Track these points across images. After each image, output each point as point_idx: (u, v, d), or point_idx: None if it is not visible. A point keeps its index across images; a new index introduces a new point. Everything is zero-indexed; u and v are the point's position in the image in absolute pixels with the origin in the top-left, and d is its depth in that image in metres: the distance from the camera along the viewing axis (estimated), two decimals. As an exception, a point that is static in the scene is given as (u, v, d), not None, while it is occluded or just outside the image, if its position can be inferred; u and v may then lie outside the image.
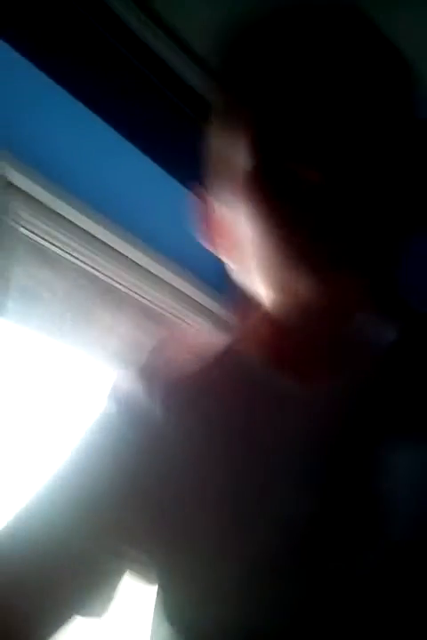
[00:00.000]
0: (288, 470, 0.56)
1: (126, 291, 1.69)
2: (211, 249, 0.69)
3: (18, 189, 1.45)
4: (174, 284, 1.76)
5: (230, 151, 0.61)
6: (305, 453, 0.56)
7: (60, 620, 0.59)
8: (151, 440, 0.63)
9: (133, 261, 1.67)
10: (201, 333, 0.76)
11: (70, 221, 1.54)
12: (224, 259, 0.68)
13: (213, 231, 0.67)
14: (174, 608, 0.59)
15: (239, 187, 0.60)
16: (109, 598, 0.61)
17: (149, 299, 1.73)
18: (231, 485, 0.57)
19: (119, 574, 0.61)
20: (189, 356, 0.66)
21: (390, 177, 0.58)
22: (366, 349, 0.59)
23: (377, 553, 0.51)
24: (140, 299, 1.72)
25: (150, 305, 1.74)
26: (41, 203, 1.49)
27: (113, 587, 0.61)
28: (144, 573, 0.62)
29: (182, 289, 1.78)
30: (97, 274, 1.62)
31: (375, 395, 0.58)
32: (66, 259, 1.56)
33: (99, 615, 0.61)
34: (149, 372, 0.67)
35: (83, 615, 0.60)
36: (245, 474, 0.57)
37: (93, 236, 1.59)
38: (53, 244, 1.53)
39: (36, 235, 1.50)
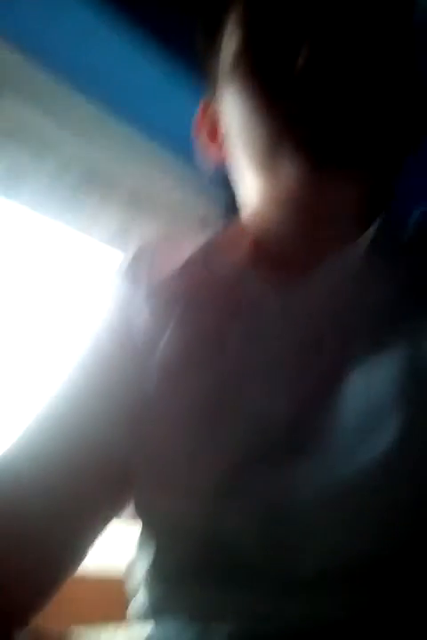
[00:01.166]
0: (265, 371, 0.56)
1: (114, 172, 1.62)
2: (204, 147, 0.69)
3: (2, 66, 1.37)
4: (165, 166, 1.70)
5: (227, 43, 0.60)
6: (282, 355, 0.56)
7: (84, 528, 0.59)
8: (138, 341, 0.63)
9: (122, 143, 1.60)
10: (185, 236, 0.75)
11: (55, 100, 1.47)
12: (214, 155, 0.68)
13: (208, 128, 0.67)
14: (148, 509, 0.60)
15: (227, 68, 0.59)
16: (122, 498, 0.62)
17: (137, 183, 1.67)
18: (209, 385, 0.57)
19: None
20: (172, 259, 0.66)
21: (384, 70, 0.55)
22: (348, 253, 0.57)
23: (344, 457, 0.50)
24: (129, 183, 1.66)
25: (139, 190, 1.68)
26: (27, 85, 1.41)
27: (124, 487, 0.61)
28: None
29: (174, 169, 1.71)
30: (83, 157, 1.55)
31: (353, 300, 0.56)
32: (51, 140, 1.49)
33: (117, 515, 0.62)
34: (134, 274, 0.67)
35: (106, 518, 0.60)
36: (223, 375, 0.57)
37: (82, 119, 1.52)
38: (45, 129, 1.46)
39: (22, 113, 1.42)
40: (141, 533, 0.63)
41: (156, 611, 0.60)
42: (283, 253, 0.62)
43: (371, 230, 0.56)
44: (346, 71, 0.54)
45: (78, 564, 0.59)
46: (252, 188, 0.63)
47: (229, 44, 0.60)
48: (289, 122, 0.55)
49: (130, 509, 0.62)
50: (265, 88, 0.56)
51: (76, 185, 1.55)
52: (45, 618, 0.56)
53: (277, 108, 0.55)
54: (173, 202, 1.78)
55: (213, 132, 0.67)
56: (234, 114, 0.61)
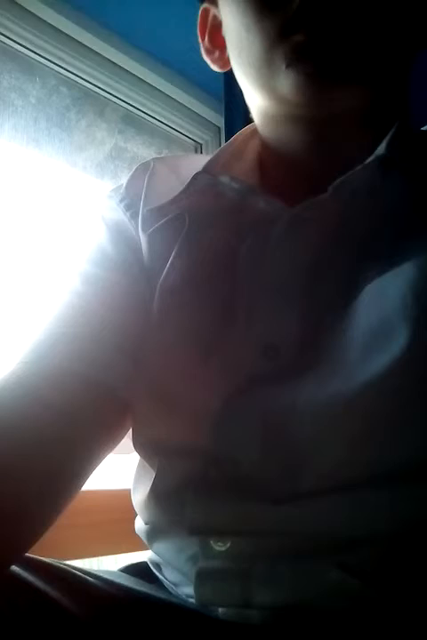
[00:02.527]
0: (273, 290, 0.55)
1: (106, 95, 1.56)
2: (206, 56, 0.67)
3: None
4: (158, 85, 1.63)
5: None
6: (291, 273, 0.55)
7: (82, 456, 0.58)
8: (136, 266, 0.62)
9: (112, 62, 1.53)
10: (185, 155, 0.73)
11: (40, 19, 1.39)
12: (217, 67, 0.66)
13: (211, 36, 0.65)
14: (150, 433, 0.59)
15: None
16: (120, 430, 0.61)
17: (131, 103, 1.61)
18: (216, 305, 0.56)
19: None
20: (175, 179, 0.64)
21: None
22: (359, 167, 0.54)
23: (350, 372, 0.49)
24: (122, 103, 1.60)
25: (133, 110, 1.63)
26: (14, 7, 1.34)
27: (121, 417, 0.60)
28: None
29: (167, 91, 1.65)
30: (75, 78, 1.49)
31: (365, 215, 0.54)
32: (40, 62, 1.42)
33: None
34: (132, 195, 0.66)
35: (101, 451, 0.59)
36: (230, 294, 0.56)
37: (70, 37, 1.44)
38: (24, 46, 1.39)
39: (7, 37, 1.35)
40: (141, 459, 0.63)
41: (157, 531, 0.61)
42: (291, 169, 0.60)
43: (383, 144, 0.53)
44: None
45: (74, 495, 0.58)
46: (253, 101, 0.61)
47: None
48: (282, 32, 0.52)
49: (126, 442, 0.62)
50: (263, 6, 0.54)
51: (66, 107, 1.50)
52: (41, 548, 0.55)
53: (269, 18, 0.53)
54: (167, 127, 1.73)
55: (215, 39, 0.65)
56: (229, 24, 0.59)
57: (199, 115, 1.73)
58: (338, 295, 0.52)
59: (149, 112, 1.66)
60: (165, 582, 0.62)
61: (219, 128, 1.70)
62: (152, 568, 0.65)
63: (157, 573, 0.64)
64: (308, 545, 0.50)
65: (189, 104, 1.70)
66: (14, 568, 0.51)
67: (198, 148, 1.78)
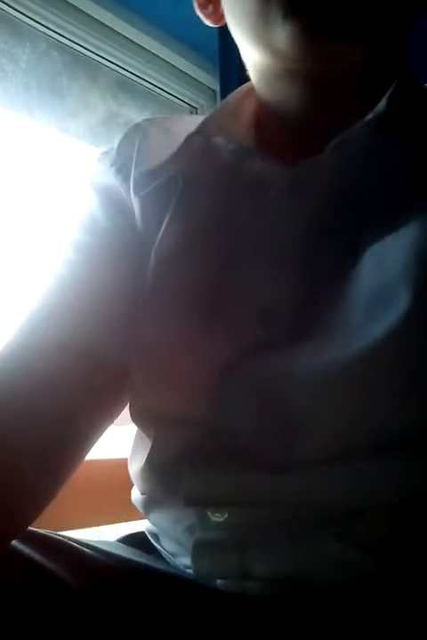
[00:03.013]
0: (270, 254, 0.53)
1: (98, 59, 1.53)
2: (200, 11, 0.65)
3: None
4: (152, 49, 1.60)
5: None
6: (289, 237, 0.53)
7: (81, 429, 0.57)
8: (129, 231, 0.61)
9: (105, 25, 1.49)
10: (179, 116, 0.70)
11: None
12: (211, 22, 0.64)
13: None
14: (146, 403, 0.59)
15: None
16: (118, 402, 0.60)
17: (124, 67, 1.58)
18: (211, 271, 0.55)
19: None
20: (168, 141, 0.61)
21: None
22: (358, 127, 0.52)
23: (349, 338, 0.48)
24: (115, 67, 1.57)
25: (126, 74, 1.60)
26: None
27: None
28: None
29: (162, 55, 1.62)
30: (66, 41, 1.45)
31: (364, 177, 0.53)
32: (30, 25, 1.39)
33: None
34: (124, 158, 0.63)
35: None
36: (225, 259, 0.55)
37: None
38: (13, 8, 1.35)
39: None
40: (138, 430, 0.62)
41: (153, 501, 0.60)
42: (288, 128, 0.58)
43: (383, 101, 0.51)
44: None
45: (75, 467, 0.58)
46: (248, 57, 0.59)
47: None
48: None
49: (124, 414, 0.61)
50: None
51: (58, 72, 1.47)
52: (39, 520, 0.55)
53: None
54: (161, 90, 1.70)
55: None
56: None
57: (194, 78, 1.70)
58: (336, 260, 0.51)
59: (142, 76, 1.62)
60: (163, 552, 0.62)
61: (214, 91, 1.67)
62: (150, 538, 0.65)
63: (155, 544, 0.64)
64: (306, 515, 0.50)
65: (183, 67, 1.67)
66: (14, 542, 0.50)
67: (194, 112, 1.75)
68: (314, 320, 0.50)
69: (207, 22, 0.65)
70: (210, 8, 0.64)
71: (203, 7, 0.65)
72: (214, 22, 0.64)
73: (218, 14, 0.62)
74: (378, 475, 0.48)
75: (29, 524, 0.53)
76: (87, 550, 0.56)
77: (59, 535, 0.56)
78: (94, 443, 0.59)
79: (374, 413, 0.48)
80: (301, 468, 0.49)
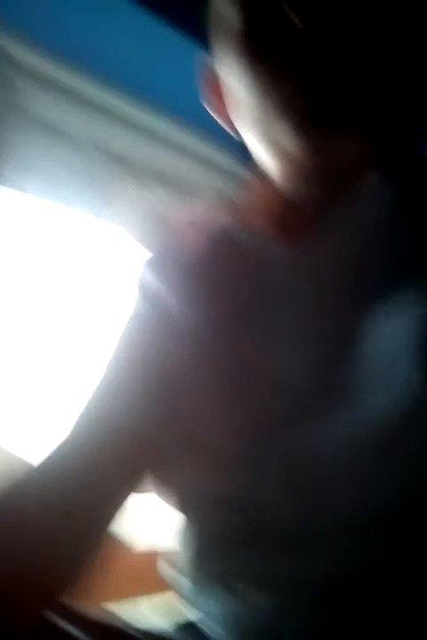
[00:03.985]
0: (285, 332, 0.56)
1: (132, 153, 1.61)
2: (215, 115, 0.68)
3: (10, 58, 1.37)
4: (182, 141, 1.69)
5: (223, 8, 0.59)
6: (301, 314, 0.56)
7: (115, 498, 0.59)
8: (165, 318, 0.64)
9: (140, 126, 1.61)
10: (206, 210, 0.74)
11: (65, 87, 1.47)
12: (227, 125, 0.66)
13: (217, 96, 0.65)
14: (177, 481, 0.60)
15: (232, 44, 0.58)
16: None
17: (158, 163, 1.67)
18: (233, 352, 0.57)
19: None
20: (195, 237, 0.66)
21: (390, 27, 0.52)
22: (365, 211, 0.55)
23: (362, 411, 0.50)
24: (150, 164, 1.65)
25: (161, 170, 1.68)
26: (44, 74, 1.42)
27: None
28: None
29: (191, 146, 1.71)
30: (102, 138, 1.55)
31: (367, 253, 0.55)
32: (71, 130, 1.49)
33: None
34: (160, 262, 0.68)
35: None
36: (245, 339, 0.57)
37: (94, 102, 1.51)
38: (50, 110, 1.44)
39: (40, 107, 1.43)
40: (171, 509, 0.63)
41: (197, 589, 0.61)
42: (299, 213, 0.61)
43: (387, 182, 0.55)
44: (341, 31, 0.51)
45: (104, 539, 0.59)
46: (260, 156, 0.62)
47: (224, 14, 0.59)
48: (284, 96, 0.53)
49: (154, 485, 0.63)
50: (257, 58, 0.55)
51: (90, 166, 1.55)
52: (78, 594, 0.56)
53: (270, 82, 0.54)
54: (190, 179, 1.77)
55: (221, 98, 0.66)
56: (232, 86, 0.60)
57: (222, 166, 1.77)
58: (348, 334, 0.53)
59: (174, 167, 1.71)
60: (204, 631, 0.62)
61: (240, 176, 1.72)
62: (199, 625, 0.63)
63: (205, 630, 0.62)
64: (336, 584, 0.50)
65: (212, 157, 1.75)
66: (49, 614, 0.51)
67: (223, 199, 1.79)
68: (334, 392, 0.52)
69: (220, 122, 0.68)
70: (224, 112, 0.66)
71: (217, 110, 0.67)
72: (225, 123, 0.66)
73: (228, 117, 0.65)
74: (402, 537, 0.48)
75: (63, 595, 0.54)
76: (128, 630, 0.57)
77: (96, 609, 0.57)
78: (122, 514, 0.60)
79: (397, 481, 0.48)
80: (325, 539, 0.50)
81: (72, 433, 0.60)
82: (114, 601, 0.98)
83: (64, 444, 0.59)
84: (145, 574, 0.96)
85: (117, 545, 0.61)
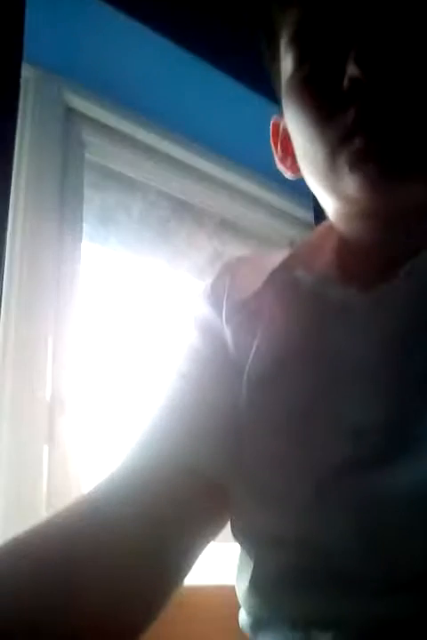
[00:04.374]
0: (356, 376, 0.55)
1: (203, 205, 1.66)
2: (280, 165, 0.71)
3: (82, 115, 1.45)
4: (251, 191, 1.72)
5: (276, 57, 0.62)
6: (372, 358, 0.55)
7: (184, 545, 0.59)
8: (224, 357, 0.65)
9: (207, 174, 1.65)
10: (269, 252, 0.76)
11: (138, 141, 1.53)
12: (293, 175, 0.69)
13: (283, 147, 0.69)
14: (245, 522, 0.60)
15: (284, 89, 0.61)
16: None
17: (226, 211, 1.71)
18: (300, 393, 0.57)
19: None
20: (256, 275, 0.67)
21: None
22: (424, 251, 0.55)
23: None
24: (218, 211, 1.69)
25: (228, 216, 1.71)
26: (106, 126, 1.48)
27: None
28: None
29: (260, 196, 1.74)
30: (171, 191, 1.61)
31: None
32: (138, 180, 1.55)
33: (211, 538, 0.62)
34: (216, 293, 0.70)
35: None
36: (313, 382, 0.57)
37: (163, 153, 1.57)
38: (125, 167, 1.51)
39: (106, 159, 1.50)
40: (241, 550, 0.63)
41: (259, 623, 0.60)
42: (365, 258, 0.62)
43: None
44: (396, 76, 0.52)
45: (177, 588, 0.59)
46: (323, 202, 0.64)
47: (284, 64, 0.62)
48: (342, 139, 0.55)
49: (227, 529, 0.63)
50: (315, 107, 0.57)
51: (167, 219, 1.60)
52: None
53: (329, 128, 0.56)
54: (261, 228, 1.80)
55: (286, 148, 0.68)
56: (294, 136, 0.62)
57: (290, 214, 1.80)
58: (420, 377, 0.52)
59: (243, 217, 1.74)
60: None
61: (310, 224, 1.74)
62: None
63: None
64: (409, 633, 0.48)
65: (280, 205, 1.77)
66: None
67: (292, 245, 1.80)
68: (406, 436, 0.51)
69: (287, 175, 0.71)
70: (289, 161, 0.69)
71: (283, 160, 0.70)
72: (294, 174, 0.69)
73: (295, 167, 0.67)
74: None
75: None
76: None
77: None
78: (194, 562, 0.61)
79: None
80: (399, 586, 0.48)
81: (125, 466, 0.60)
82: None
83: (117, 477, 0.59)
84: (221, 626, 0.96)
85: (189, 592, 0.61)
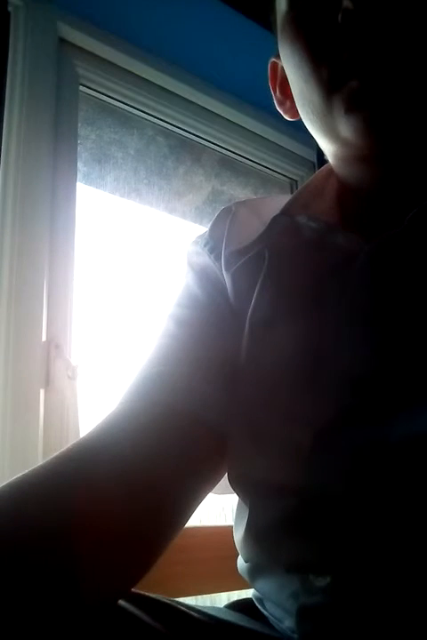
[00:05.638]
0: (357, 325, 0.54)
1: (202, 141, 1.62)
2: (278, 105, 0.70)
3: (76, 47, 1.40)
4: (253, 128, 1.68)
5: None
6: (374, 307, 0.54)
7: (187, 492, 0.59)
8: (223, 304, 0.65)
9: (207, 109, 1.60)
10: (267, 197, 0.75)
11: (134, 74, 1.48)
12: (290, 115, 0.68)
13: (280, 86, 0.68)
14: (243, 470, 0.59)
15: (279, 30, 0.60)
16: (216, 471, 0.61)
17: (226, 147, 1.66)
18: (302, 342, 0.56)
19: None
20: (256, 220, 0.66)
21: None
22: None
23: None
24: (217, 148, 1.65)
25: (229, 154, 1.67)
26: (102, 58, 1.43)
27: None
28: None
29: (261, 133, 1.69)
30: (171, 127, 1.56)
31: None
32: (136, 115, 1.50)
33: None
34: (215, 239, 0.69)
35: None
36: (315, 330, 0.56)
37: (161, 87, 1.52)
38: (120, 101, 1.46)
39: (102, 93, 1.44)
40: (238, 499, 0.63)
41: (256, 569, 0.61)
42: (366, 204, 0.60)
43: None
44: (391, 12, 0.51)
45: (178, 531, 0.59)
46: (322, 145, 0.62)
47: (279, 1, 0.61)
48: (337, 80, 0.53)
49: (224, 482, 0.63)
50: (310, 44, 0.55)
51: (164, 156, 1.55)
52: (149, 586, 0.56)
53: (323, 68, 0.54)
54: (263, 167, 1.76)
55: (285, 90, 0.67)
56: (290, 77, 0.60)
57: (293, 152, 1.76)
58: (422, 328, 0.51)
59: (243, 154, 1.70)
60: (270, 618, 0.62)
61: (313, 163, 1.71)
62: (257, 604, 0.64)
63: (262, 609, 0.63)
64: (406, 575, 0.48)
65: (282, 143, 1.73)
66: (122, 602, 0.52)
67: (294, 185, 1.79)
68: (406, 385, 0.50)
69: (286, 117, 0.69)
70: (287, 104, 0.68)
71: (281, 103, 0.69)
72: (292, 117, 0.68)
73: (294, 109, 0.65)
74: None
75: (135, 585, 0.54)
76: (195, 614, 0.56)
77: (167, 599, 0.57)
78: (194, 509, 0.60)
79: None
80: (398, 534, 0.48)
81: (123, 410, 0.59)
82: (187, 595, 0.99)
83: (116, 420, 0.58)
84: (221, 569, 0.97)
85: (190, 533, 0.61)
